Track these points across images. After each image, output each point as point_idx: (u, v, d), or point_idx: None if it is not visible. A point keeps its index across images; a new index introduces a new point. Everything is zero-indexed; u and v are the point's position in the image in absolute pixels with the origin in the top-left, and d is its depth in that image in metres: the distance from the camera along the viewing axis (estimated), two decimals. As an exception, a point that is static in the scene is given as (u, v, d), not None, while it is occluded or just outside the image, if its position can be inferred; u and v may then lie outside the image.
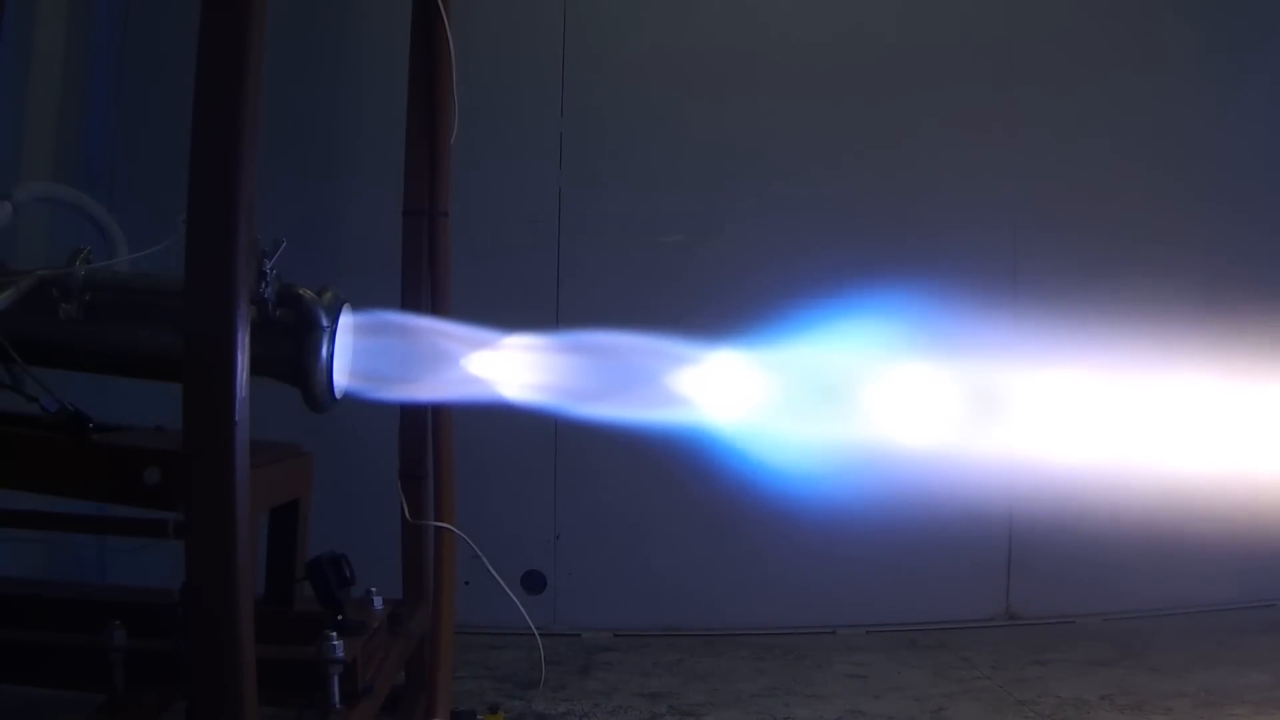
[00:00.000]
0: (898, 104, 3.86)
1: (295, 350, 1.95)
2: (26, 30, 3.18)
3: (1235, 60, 4.08)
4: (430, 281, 2.65)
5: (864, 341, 2.92)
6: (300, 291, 1.97)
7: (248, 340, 1.41)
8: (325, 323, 1.96)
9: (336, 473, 2.66)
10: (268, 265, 1.91)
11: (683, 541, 3.71)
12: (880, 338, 2.95)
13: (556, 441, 3.70)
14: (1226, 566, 3.74)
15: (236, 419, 1.37)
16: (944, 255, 3.70)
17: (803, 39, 3.86)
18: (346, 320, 2.04)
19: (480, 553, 2.63)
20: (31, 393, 1.86)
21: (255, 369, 1.47)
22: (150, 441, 1.77)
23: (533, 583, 3.71)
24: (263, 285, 1.91)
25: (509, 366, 2.40)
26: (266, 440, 1.81)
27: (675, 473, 3.48)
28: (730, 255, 3.74)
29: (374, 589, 2.24)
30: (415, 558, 2.69)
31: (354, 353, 2.10)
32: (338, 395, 2.03)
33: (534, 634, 2.82)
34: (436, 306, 2.61)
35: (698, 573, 3.72)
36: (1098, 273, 3.70)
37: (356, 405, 2.15)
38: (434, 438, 2.64)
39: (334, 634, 1.83)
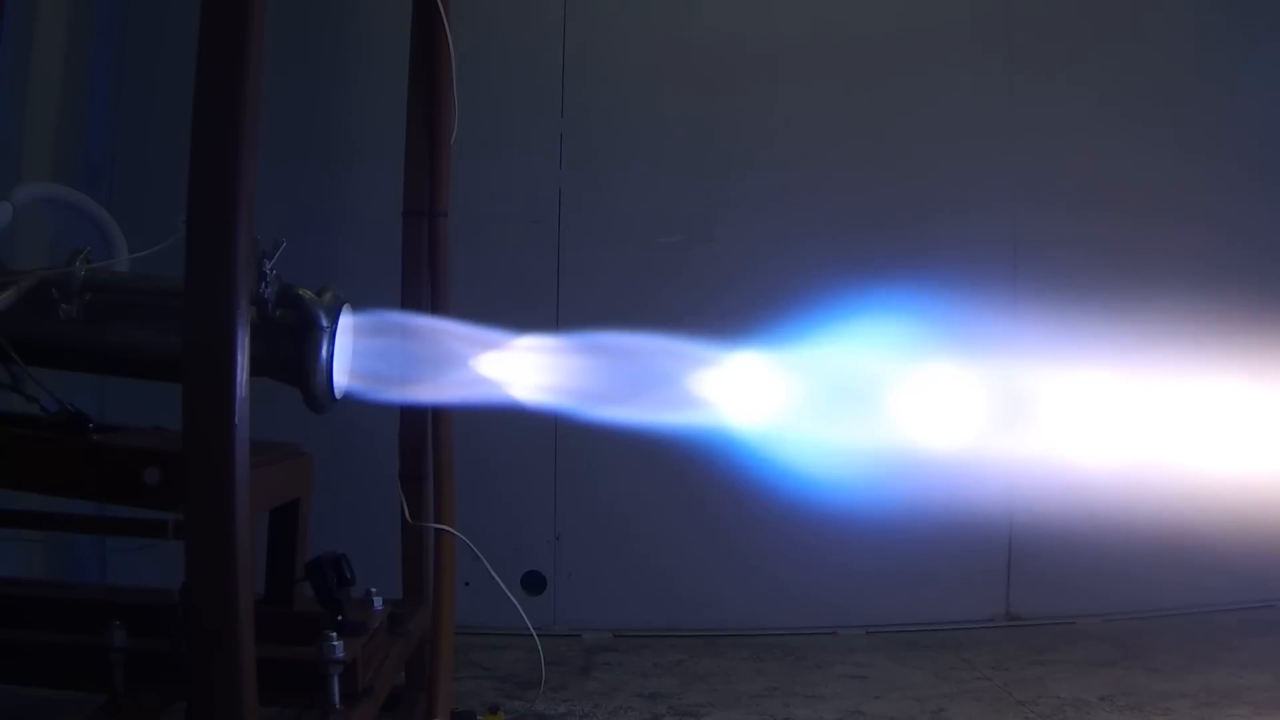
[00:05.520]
0: (896, 92, 3.84)
1: (295, 350, 1.95)
2: (26, 30, 3.18)
3: (1243, 36, 4.05)
4: (430, 281, 2.65)
5: (865, 341, 2.92)
6: (300, 291, 1.97)
7: (248, 340, 1.41)
8: (325, 323, 1.96)
9: (336, 473, 2.66)
10: (268, 265, 1.91)
11: (683, 542, 3.71)
12: (881, 337, 2.95)
13: (556, 442, 3.70)
14: (1226, 567, 3.73)
15: (236, 419, 1.37)
16: (943, 246, 3.69)
17: (801, 31, 3.86)
18: (346, 320, 2.04)
19: (480, 554, 2.63)
20: (31, 393, 1.86)
21: (255, 369, 1.47)
22: (150, 441, 1.77)
23: (533, 583, 3.71)
24: (263, 285, 1.91)
25: (509, 367, 2.40)
26: (266, 440, 1.81)
27: (676, 473, 3.48)
28: (731, 254, 3.74)
29: (374, 589, 2.24)
30: (415, 558, 2.69)
31: (354, 353, 2.10)
32: (338, 395, 2.03)
33: (533, 635, 2.82)
34: (436, 307, 2.61)
35: (698, 573, 3.72)
36: (1099, 269, 3.69)
37: (356, 405, 2.15)
38: (434, 438, 2.63)
39: (334, 634, 1.83)
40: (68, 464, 1.71)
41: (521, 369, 2.41)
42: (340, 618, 1.96)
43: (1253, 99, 4.03)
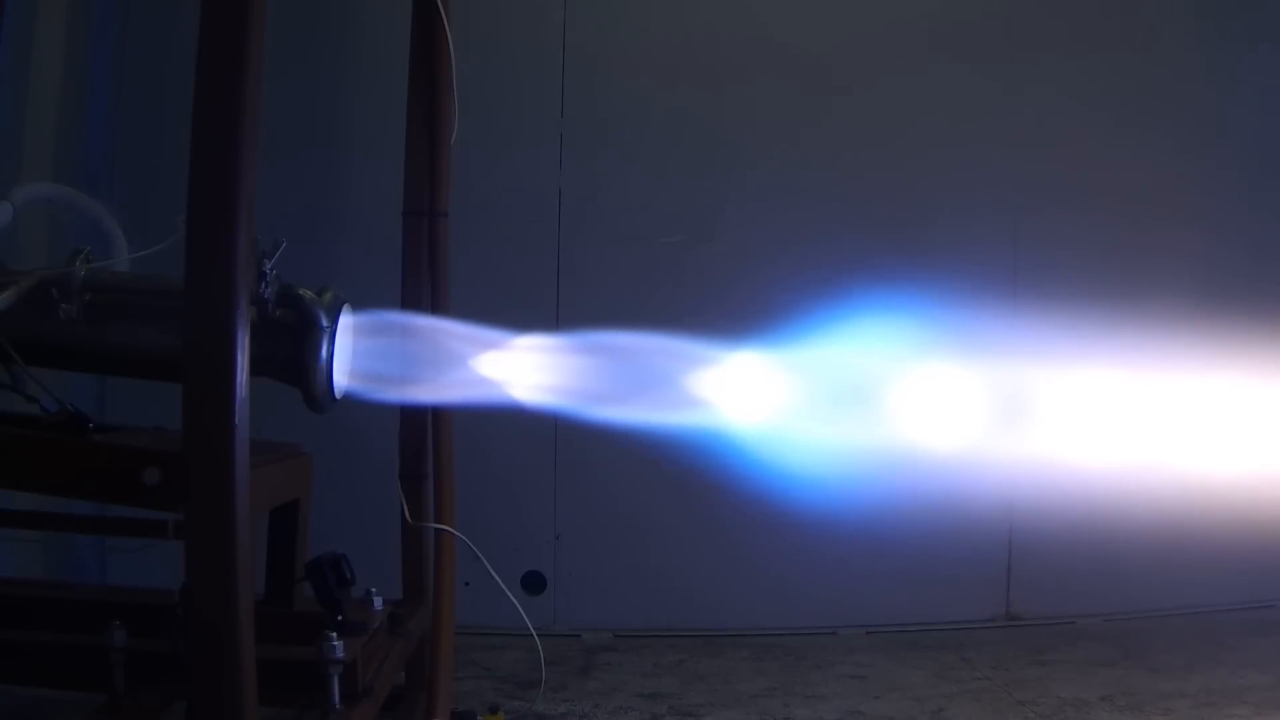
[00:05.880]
0: (897, 93, 3.84)
1: (295, 350, 1.96)
2: (26, 30, 3.18)
3: (1240, 40, 4.04)
4: (430, 281, 2.65)
5: (865, 341, 2.92)
6: (300, 291, 1.97)
7: (248, 340, 1.41)
8: (325, 323, 1.97)
9: (336, 473, 2.66)
10: (268, 265, 1.91)
11: (683, 541, 3.71)
12: (881, 337, 2.95)
13: (556, 441, 3.70)
14: (1226, 567, 3.73)
15: (236, 420, 1.37)
16: (943, 247, 3.69)
17: (802, 32, 3.85)
18: (346, 320, 2.04)
19: (480, 554, 2.63)
20: (31, 393, 1.86)
21: (255, 369, 1.47)
22: (150, 441, 1.76)
23: (533, 583, 3.71)
24: (263, 285, 1.91)
25: (509, 367, 2.40)
26: (266, 440, 1.81)
27: (676, 473, 3.47)
28: (731, 254, 3.73)
29: (374, 589, 2.24)
30: (415, 558, 2.69)
31: (354, 353, 2.10)
32: (338, 395, 2.03)
33: (533, 635, 2.82)
34: (436, 307, 2.61)
35: (698, 573, 3.72)
36: (1098, 269, 3.69)
37: (356, 405, 2.15)
38: (434, 438, 2.63)
39: (334, 634, 1.83)
40: (68, 464, 1.71)
41: (521, 369, 2.41)
42: (340, 618, 1.96)
43: (1250, 101, 4.03)
